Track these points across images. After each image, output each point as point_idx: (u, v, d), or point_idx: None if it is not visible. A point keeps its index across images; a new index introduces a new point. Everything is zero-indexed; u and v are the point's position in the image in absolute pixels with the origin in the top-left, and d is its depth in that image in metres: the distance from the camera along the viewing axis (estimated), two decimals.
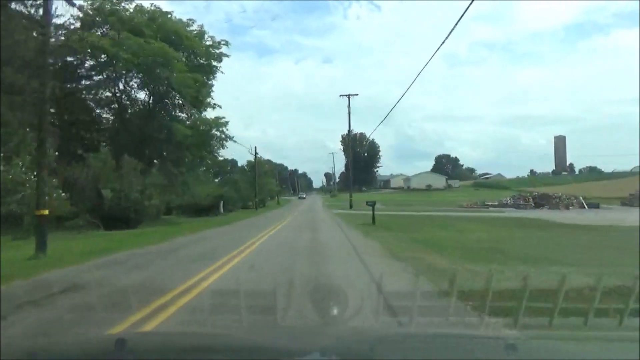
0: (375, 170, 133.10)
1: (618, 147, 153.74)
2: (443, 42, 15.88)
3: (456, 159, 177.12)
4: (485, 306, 4.74)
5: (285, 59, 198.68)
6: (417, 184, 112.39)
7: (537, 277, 6.55)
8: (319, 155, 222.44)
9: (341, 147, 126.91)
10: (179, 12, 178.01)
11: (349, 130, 49.37)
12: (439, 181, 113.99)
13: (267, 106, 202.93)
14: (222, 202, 42.79)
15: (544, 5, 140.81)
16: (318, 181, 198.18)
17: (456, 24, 13.82)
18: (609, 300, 4.79)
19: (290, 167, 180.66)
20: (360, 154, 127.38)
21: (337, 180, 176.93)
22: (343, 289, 6.64)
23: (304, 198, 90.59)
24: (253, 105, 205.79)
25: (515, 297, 4.83)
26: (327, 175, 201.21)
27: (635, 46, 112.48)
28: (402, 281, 7.47)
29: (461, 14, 13.33)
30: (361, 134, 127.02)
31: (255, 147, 48.83)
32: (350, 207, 49.38)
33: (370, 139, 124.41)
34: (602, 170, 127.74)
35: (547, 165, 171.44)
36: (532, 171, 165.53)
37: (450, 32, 14.40)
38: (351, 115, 49.53)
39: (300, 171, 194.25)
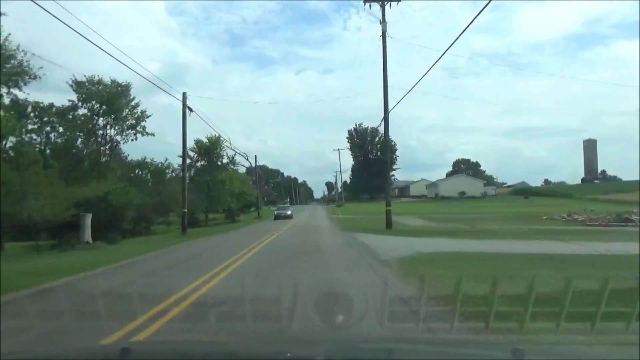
0: (391, 174, 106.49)
1: (619, 158, 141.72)
2: (440, 57, 13.77)
3: (477, 164, 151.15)
4: (491, 311, 4.34)
5: (286, 70, 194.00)
6: (447, 191, 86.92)
7: (544, 282, 6.12)
8: (319, 166, 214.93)
9: (348, 145, 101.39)
10: (180, 22, 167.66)
11: (385, 65, 23.87)
12: (475, 187, 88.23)
13: (267, 117, 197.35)
14: (88, 217, 17.81)
15: (543, 17, 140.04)
16: (319, 191, 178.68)
17: (456, 39, 16.06)
18: (616, 305, 4.41)
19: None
20: (372, 153, 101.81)
21: (340, 189, 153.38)
22: None
23: (289, 215, 40.20)
24: (253, 115, 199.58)
25: (521, 302, 4.54)
26: (328, 184, 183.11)
27: (635, 58, 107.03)
28: None
29: (463, 30, 16.37)
30: (372, 128, 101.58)
31: (184, 94, 22.74)
32: (388, 226, 24.22)
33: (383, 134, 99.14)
34: (621, 179, 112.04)
35: (555, 175, 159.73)
36: (546, 180, 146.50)
37: (448, 48, 17.98)
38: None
39: (300, 181, 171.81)
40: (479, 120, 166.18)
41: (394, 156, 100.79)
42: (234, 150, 50.88)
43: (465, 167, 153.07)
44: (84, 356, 2.07)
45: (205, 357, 1.92)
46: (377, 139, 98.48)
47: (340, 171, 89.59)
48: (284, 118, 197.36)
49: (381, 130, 76.60)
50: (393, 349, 2.03)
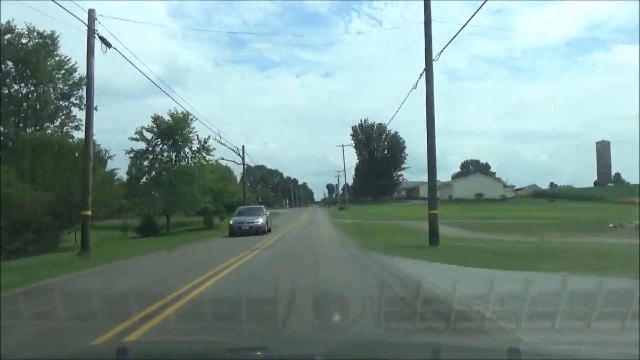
0: (399, 174, 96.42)
1: (620, 162, 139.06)
2: (437, 58, 15.00)
3: (487, 165, 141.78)
4: (488, 310, 4.26)
5: (286, 73, 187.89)
6: (461, 193, 77.64)
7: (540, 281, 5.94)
8: (320, 170, 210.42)
9: (352, 142, 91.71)
10: (182, 25, 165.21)
11: (428, 20, 14.82)
12: (493, 189, 78.70)
13: (267, 119, 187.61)
14: None
15: (544, 21, 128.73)
16: (319, 194, 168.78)
17: (453, 37, 15.38)
18: (611, 304, 4.31)
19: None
20: (379, 150, 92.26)
21: (343, 190, 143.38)
22: None
23: (260, 228, 21.65)
24: (254, 118, 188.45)
25: (518, 301, 4.45)
26: (329, 187, 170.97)
27: (636, 62, 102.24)
28: None
29: (457, 31, 15.40)
30: (379, 124, 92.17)
31: (91, 12, 13.81)
32: (434, 241, 15.19)
33: (393, 131, 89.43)
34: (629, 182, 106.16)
35: (557, 179, 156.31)
36: (552, 184, 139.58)
37: (443, 48, 15.56)
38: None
39: (300, 183, 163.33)
40: (479, 124, 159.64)
41: (403, 154, 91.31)
42: (222, 143, 41.55)
43: (474, 169, 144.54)
44: (79, 357, 2.02)
45: (201, 357, 1.90)
46: (384, 136, 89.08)
47: (345, 169, 79.84)
48: (285, 121, 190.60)
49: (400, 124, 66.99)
50: (388, 348, 1.99)
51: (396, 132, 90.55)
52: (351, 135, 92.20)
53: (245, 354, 1.93)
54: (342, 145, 75.25)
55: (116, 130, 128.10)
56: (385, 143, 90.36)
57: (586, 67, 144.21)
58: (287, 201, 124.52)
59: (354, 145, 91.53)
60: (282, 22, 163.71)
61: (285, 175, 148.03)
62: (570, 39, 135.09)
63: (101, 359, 1.94)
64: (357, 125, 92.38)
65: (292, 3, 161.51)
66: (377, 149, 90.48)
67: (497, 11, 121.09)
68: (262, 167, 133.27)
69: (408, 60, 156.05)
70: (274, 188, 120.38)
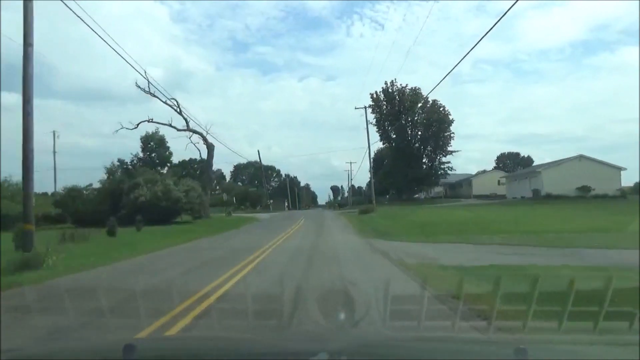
0: (444, 159, 62.86)
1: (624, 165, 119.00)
2: (455, 66, 14.42)
3: (529, 159, 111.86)
4: (494, 310, 4.11)
5: (289, 77, 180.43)
6: (553, 186, 48.16)
7: (546, 280, 5.67)
8: (323, 173, 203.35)
9: (372, 119, 61.59)
10: (184, 29, 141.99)
11: None
12: (606, 179, 48.58)
13: (270, 124, 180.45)
14: None
15: (549, 23, 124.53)
16: (324, 196, 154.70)
17: (468, 52, 18.07)
18: (620, 303, 4.04)
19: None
20: (412, 127, 62.39)
21: (347, 194, 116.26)
22: None
23: None
24: (256, 122, 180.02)
25: (523, 300, 4.26)
26: (333, 188, 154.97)
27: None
28: None
29: (475, 43, 16.60)
30: (413, 89, 62.53)
31: None
32: None
33: (430, 98, 59.67)
34: None
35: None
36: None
37: (464, 57, 17.97)
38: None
39: (302, 185, 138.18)
40: (483, 127, 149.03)
41: (449, 133, 61.19)
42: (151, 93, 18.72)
43: (511, 163, 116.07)
44: (86, 354, 1.95)
45: (210, 353, 1.87)
46: (420, 105, 59.15)
47: (369, 148, 47.86)
48: (287, 125, 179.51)
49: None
50: (395, 346, 1.95)
51: (436, 101, 60.66)
52: (370, 106, 61.51)
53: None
54: (365, 107, 45.47)
55: None
56: (423, 115, 60.56)
57: (591, 69, 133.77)
58: (286, 203, 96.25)
59: (374, 122, 61.53)
60: (284, 26, 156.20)
61: (285, 174, 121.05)
62: (575, 41, 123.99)
63: (108, 357, 1.84)
64: (382, 90, 62.22)
65: (295, 7, 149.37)
66: (410, 124, 60.60)
67: (501, 13, 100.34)
68: (254, 164, 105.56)
69: (410, 61, 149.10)
70: (265, 187, 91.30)
